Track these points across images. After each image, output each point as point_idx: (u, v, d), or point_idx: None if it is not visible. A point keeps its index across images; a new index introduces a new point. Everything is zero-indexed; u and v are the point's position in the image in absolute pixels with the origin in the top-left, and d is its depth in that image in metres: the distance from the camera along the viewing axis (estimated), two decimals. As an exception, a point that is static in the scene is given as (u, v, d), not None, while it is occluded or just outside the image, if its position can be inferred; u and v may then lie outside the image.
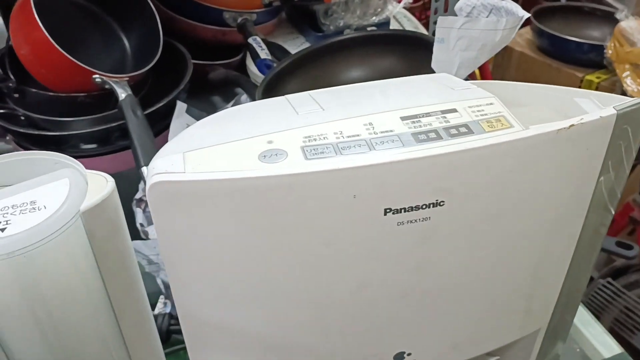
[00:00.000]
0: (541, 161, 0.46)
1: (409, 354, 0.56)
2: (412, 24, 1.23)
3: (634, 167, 1.18)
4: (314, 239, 0.45)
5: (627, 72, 1.30)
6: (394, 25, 1.19)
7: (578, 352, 0.75)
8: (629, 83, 1.29)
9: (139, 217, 0.79)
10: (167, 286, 0.76)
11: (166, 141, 0.49)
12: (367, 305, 0.51)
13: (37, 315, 0.44)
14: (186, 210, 0.42)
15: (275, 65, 0.91)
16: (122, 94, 0.78)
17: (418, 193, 0.44)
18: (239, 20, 1.02)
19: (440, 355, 0.58)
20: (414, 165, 0.43)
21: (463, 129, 0.45)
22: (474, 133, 0.45)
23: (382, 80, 0.58)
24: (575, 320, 0.77)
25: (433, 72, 0.77)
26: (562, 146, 0.46)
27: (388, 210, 0.44)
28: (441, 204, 0.45)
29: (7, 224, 0.42)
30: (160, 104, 0.84)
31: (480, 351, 0.60)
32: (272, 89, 0.86)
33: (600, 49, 1.47)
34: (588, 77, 1.51)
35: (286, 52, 1.05)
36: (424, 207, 0.45)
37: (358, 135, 0.45)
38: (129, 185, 0.81)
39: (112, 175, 0.89)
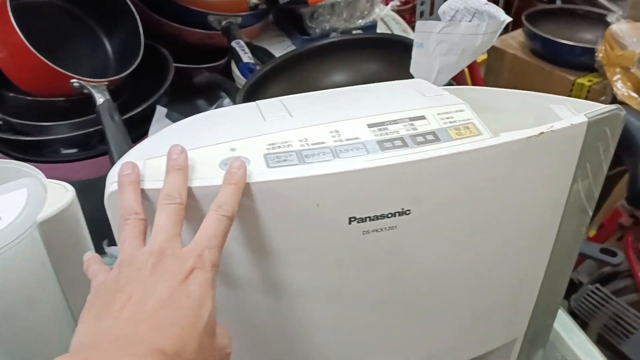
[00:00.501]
0: (511, 169, 0.46)
1: (382, 364, 0.55)
2: (400, 27, 1.22)
3: (622, 172, 1.17)
4: (278, 247, 0.44)
5: (618, 76, 1.29)
6: (381, 28, 1.19)
7: (560, 360, 0.75)
8: (619, 87, 1.28)
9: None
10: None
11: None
12: (339, 314, 0.51)
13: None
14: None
15: (258, 69, 0.90)
16: (100, 98, 0.77)
17: (383, 201, 0.43)
18: (224, 23, 1.01)
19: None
20: (377, 173, 0.42)
21: (430, 137, 0.44)
22: (440, 141, 0.44)
23: (356, 86, 0.58)
24: (559, 328, 0.76)
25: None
26: (533, 153, 0.46)
27: (352, 219, 0.44)
28: (407, 212, 0.44)
29: (-38, 234, 0.41)
30: (140, 109, 0.83)
31: (456, 360, 0.59)
32: (253, 93, 0.85)
33: (592, 52, 1.46)
34: (580, 80, 1.50)
35: (271, 56, 1.04)
36: (389, 215, 0.44)
37: (323, 143, 0.44)
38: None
39: (94, 180, 0.88)
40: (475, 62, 1.32)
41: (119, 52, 0.94)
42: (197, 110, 1.02)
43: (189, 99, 1.04)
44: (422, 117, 0.47)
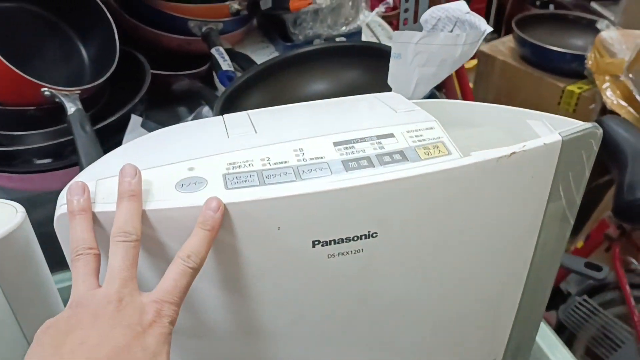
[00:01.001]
0: (481, 189, 0.44)
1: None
2: (386, 34, 1.21)
3: (611, 181, 1.15)
4: (238, 272, 0.42)
5: (607, 84, 1.28)
6: (367, 35, 1.17)
7: (543, 377, 0.73)
8: (608, 95, 1.26)
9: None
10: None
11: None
12: (304, 340, 0.49)
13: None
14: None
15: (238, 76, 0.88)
16: (71, 107, 0.75)
17: (347, 224, 0.42)
18: (204, 29, 0.99)
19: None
20: (339, 195, 0.40)
21: (397, 156, 0.43)
22: (408, 160, 0.42)
23: (328, 100, 0.56)
24: (542, 344, 0.74)
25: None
26: (504, 173, 0.44)
27: (317, 243, 0.42)
28: (374, 235, 0.42)
29: None
30: (113, 118, 0.81)
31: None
32: (231, 102, 0.83)
33: (583, 58, 1.44)
34: (569, 87, 1.48)
35: (252, 63, 1.02)
36: (355, 238, 0.42)
37: (286, 162, 0.42)
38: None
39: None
40: (463, 69, 1.30)
41: (95, 58, 0.91)
42: (177, 118, 1.00)
43: (168, 106, 1.01)
44: (391, 135, 0.45)
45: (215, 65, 0.92)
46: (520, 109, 0.53)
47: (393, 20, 1.47)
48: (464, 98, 1.30)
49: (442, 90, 1.25)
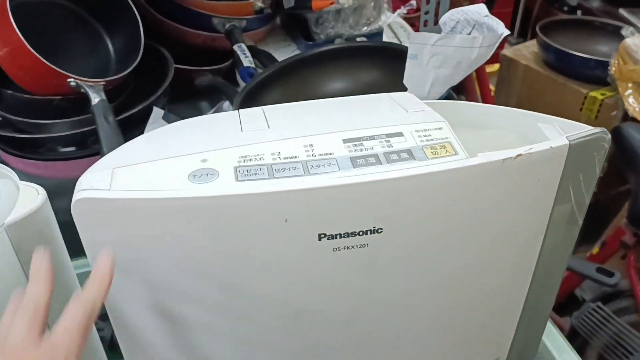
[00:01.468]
0: (487, 190, 0.44)
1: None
2: (407, 35, 1.21)
3: (629, 191, 1.15)
4: (246, 262, 0.44)
5: (630, 91, 1.27)
6: (388, 35, 1.18)
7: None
8: (630, 102, 1.25)
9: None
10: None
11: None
12: (308, 331, 0.50)
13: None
14: (110, 227, 0.41)
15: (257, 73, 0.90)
16: (95, 98, 0.77)
17: (353, 219, 0.43)
18: (227, 26, 1.01)
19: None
20: (347, 190, 0.41)
21: (404, 155, 0.44)
22: (415, 159, 0.43)
23: (342, 98, 0.57)
24: (550, 347, 0.74)
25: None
26: (510, 175, 0.44)
27: (323, 236, 0.43)
28: (379, 231, 0.43)
29: None
30: (135, 110, 0.83)
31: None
32: (252, 98, 0.85)
33: (606, 65, 1.43)
34: (592, 93, 1.47)
35: (274, 60, 1.03)
36: (360, 233, 0.43)
37: (295, 157, 0.43)
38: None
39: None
40: (485, 72, 1.31)
41: (121, 52, 0.94)
42: (198, 112, 1.02)
43: (190, 100, 1.04)
44: (400, 134, 0.46)
45: (237, 62, 0.94)
46: (533, 113, 0.53)
47: (416, 22, 1.47)
48: (484, 101, 1.30)
49: (463, 93, 1.25)
